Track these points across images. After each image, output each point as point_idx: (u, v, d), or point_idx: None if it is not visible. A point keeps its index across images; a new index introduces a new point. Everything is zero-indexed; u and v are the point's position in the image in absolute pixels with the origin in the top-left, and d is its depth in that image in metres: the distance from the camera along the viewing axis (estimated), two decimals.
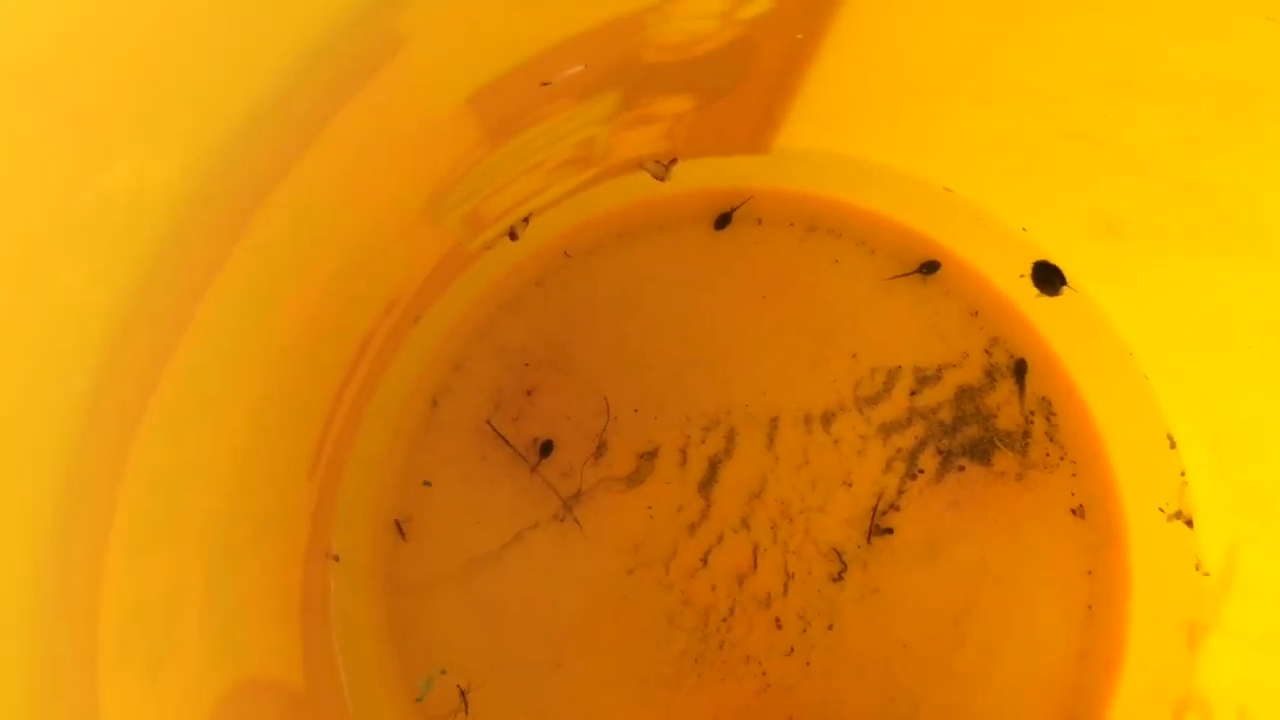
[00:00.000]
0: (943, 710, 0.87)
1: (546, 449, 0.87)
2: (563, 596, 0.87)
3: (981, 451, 0.89)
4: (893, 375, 0.89)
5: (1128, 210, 0.71)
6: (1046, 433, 0.89)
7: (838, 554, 0.88)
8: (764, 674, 0.87)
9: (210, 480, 0.56)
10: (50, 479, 0.39)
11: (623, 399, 0.89)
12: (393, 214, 0.61)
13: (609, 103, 0.67)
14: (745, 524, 0.88)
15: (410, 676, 0.85)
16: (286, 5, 0.38)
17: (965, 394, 0.89)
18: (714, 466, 0.89)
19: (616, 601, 0.87)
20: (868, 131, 0.79)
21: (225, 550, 0.60)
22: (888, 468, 0.89)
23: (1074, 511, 0.88)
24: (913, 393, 0.89)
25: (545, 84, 0.59)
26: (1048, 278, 0.85)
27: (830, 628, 0.88)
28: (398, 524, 0.86)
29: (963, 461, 0.89)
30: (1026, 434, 0.89)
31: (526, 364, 0.89)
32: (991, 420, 0.89)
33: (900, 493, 0.89)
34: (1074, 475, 0.88)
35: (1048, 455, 0.89)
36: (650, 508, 0.88)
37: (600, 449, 0.88)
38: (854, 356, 0.89)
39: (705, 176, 0.87)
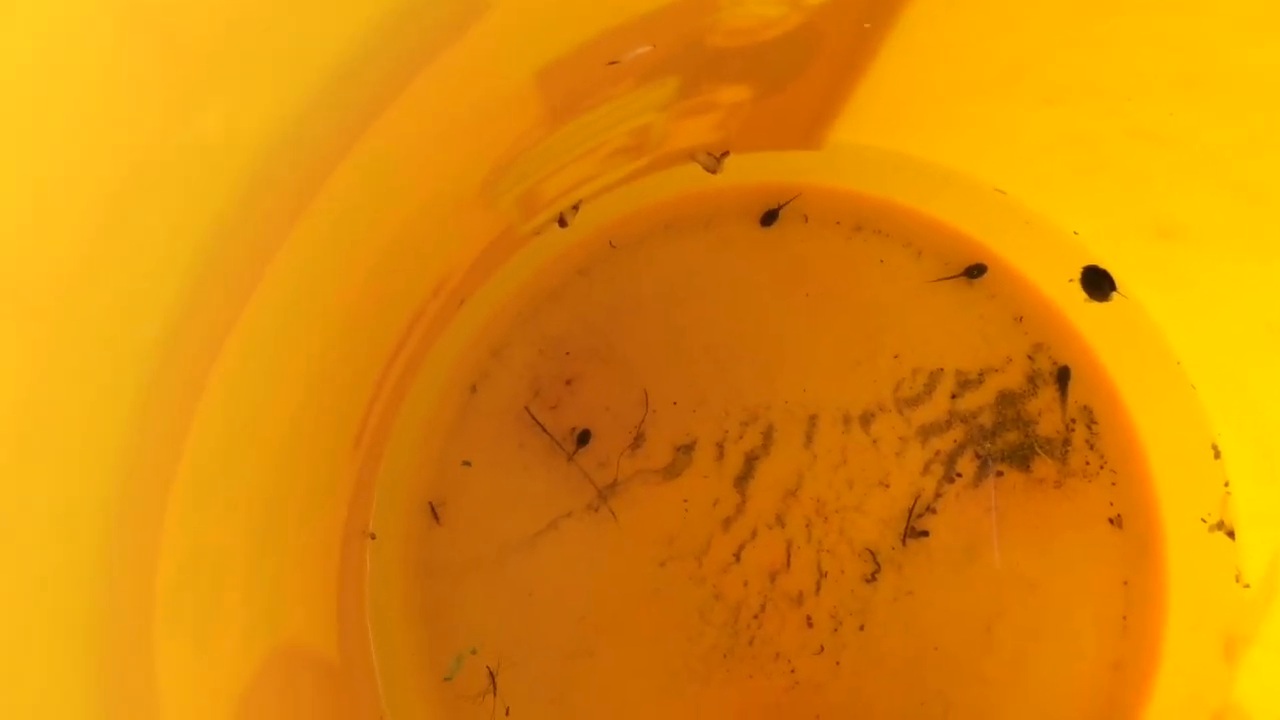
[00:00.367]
0: (973, 715, 0.87)
1: (584, 438, 0.87)
2: (595, 586, 0.87)
3: (1021, 457, 0.88)
4: (934, 377, 0.89)
5: (1186, 214, 0.71)
6: (1087, 441, 0.88)
7: (872, 554, 0.87)
8: (793, 671, 0.87)
9: (263, 450, 0.56)
10: (120, 431, 0.39)
11: (662, 391, 0.89)
12: (452, 188, 0.61)
13: (669, 88, 0.67)
14: (780, 521, 0.88)
15: (440, 656, 0.85)
16: None
17: (1006, 399, 0.89)
18: (751, 462, 0.88)
19: (648, 593, 0.87)
20: (924, 129, 0.79)
21: (271, 521, 0.60)
22: (926, 470, 0.88)
23: (1112, 521, 0.88)
24: (954, 396, 0.89)
25: (612, 63, 0.59)
26: (1097, 283, 0.84)
27: (862, 628, 0.87)
28: (432, 507, 0.86)
29: (1001, 467, 0.88)
30: (1067, 441, 0.88)
31: (567, 353, 0.89)
32: (1032, 426, 0.88)
33: (937, 495, 0.88)
34: (1113, 484, 0.88)
35: (1087, 464, 0.88)
36: (685, 501, 0.88)
37: (638, 440, 0.88)
38: (896, 357, 0.89)
39: (754, 171, 0.87)
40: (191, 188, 0.37)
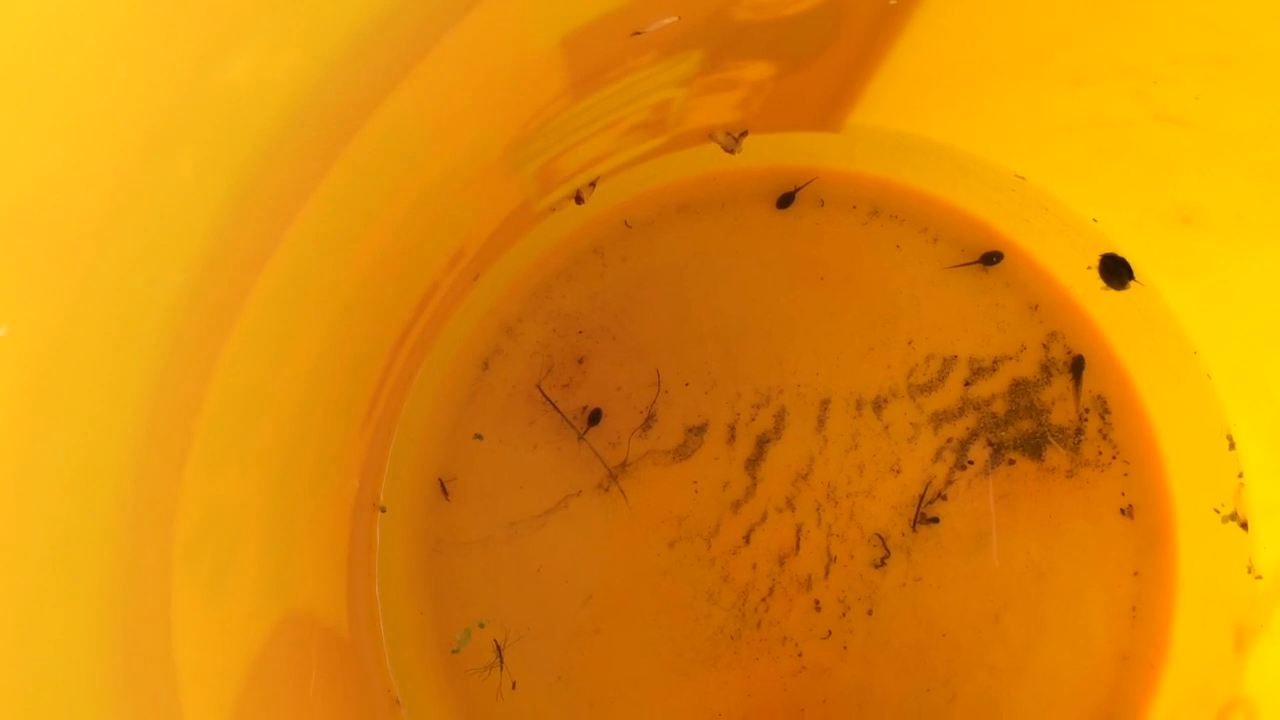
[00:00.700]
0: (979, 702, 0.87)
1: (595, 417, 0.87)
2: (603, 565, 0.87)
3: (1033, 446, 0.88)
4: (948, 364, 0.89)
5: (1209, 200, 0.70)
6: (1100, 430, 0.88)
7: (882, 540, 0.87)
8: (800, 655, 0.87)
9: (277, 415, 0.56)
10: (143, 383, 0.39)
11: (674, 372, 0.88)
12: (473, 156, 0.61)
13: (691, 62, 0.67)
14: (790, 504, 0.88)
15: (447, 630, 0.85)
16: None
17: (1020, 387, 0.88)
18: (762, 445, 0.88)
19: (657, 574, 0.87)
20: (945, 112, 0.79)
21: (284, 487, 0.60)
22: (937, 457, 0.88)
23: (1123, 511, 0.87)
24: (967, 383, 0.88)
25: (637, 33, 0.59)
26: (1115, 270, 0.84)
27: (870, 613, 0.87)
28: (441, 483, 0.86)
29: (1013, 455, 0.88)
30: (1080, 431, 0.88)
31: (580, 331, 0.88)
32: (1045, 415, 0.88)
33: (949, 482, 0.88)
34: (1125, 475, 0.88)
35: (1100, 453, 0.88)
36: (696, 482, 0.87)
37: (649, 421, 0.88)
38: (910, 343, 0.89)
39: (772, 153, 0.87)
40: (219, 137, 0.37)
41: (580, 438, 0.87)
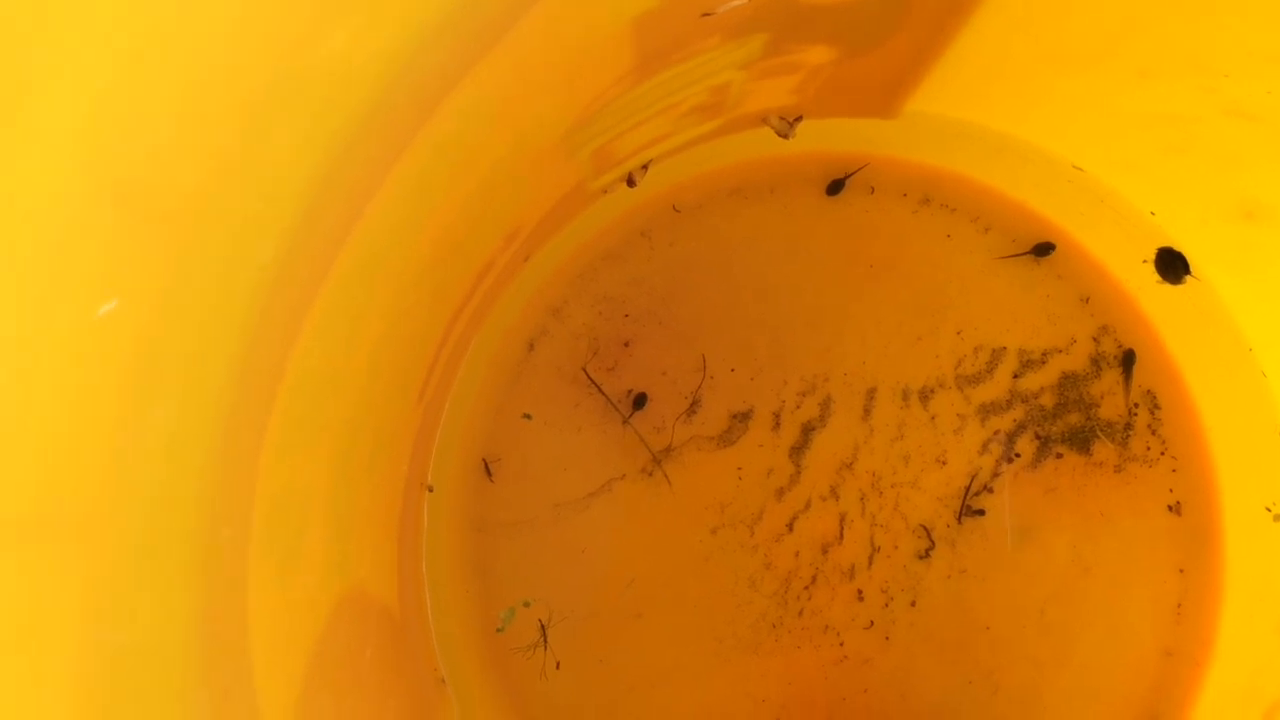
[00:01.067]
0: (1021, 696, 0.86)
1: (640, 401, 0.87)
2: (646, 549, 0.86)
3: (1081, 440, 0.87)
4: (996, 356, 0.88)
5: (1275, 195, 0.69)
6: (1149, 426, 0.87)
7: (926, 531, 0.87)
8: (842, 645, 0.86)
9: (342, 396, 0.56)
10: (231, 356, 0.39)
11: (720, 358, 0.88)
12: (537, 135, 0.61)
13: (755, 45, 0.66)
14: (834, 493, 0.87)
15: (492, 609, 0.85)
16: None
17: (1069, 380, 0.88)
18: (807, 433, 0.88)
19: (699, 559, 0.87)
20: (1007, 101, 0.78)
21: (346, 468, 0.60)
22: (984, 449, 0.87)
23: (1171, 508, 0.87)
24: (1015, 375, 0.88)
25: (706, 15, 0.58)
26: (1172, 265, 0.83)
27: (913, 604, 0.87)
28: (485, 464, 0.86)
29: (1061, 449, 0.87)
30: (1129, 426, 0.87)
31: (626, 315, 0.88)
32: (1094, 409, 0.87)
33: (995, 475, 0.87)
34: (1174, 471, 0.87)
35: (1149, 449, 0.87)
36: (740, 469, 0.87)
37: (694, 406, 0.87)
38: (959, 334, 0.88)
39: (824, 138, 0.86)
40: (314, 113, 0.37)
41: (625, 421, 0.87)
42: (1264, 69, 0.60)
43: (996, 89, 0.76)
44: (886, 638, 0.86)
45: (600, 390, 0.87)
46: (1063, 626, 0.87)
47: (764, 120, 0.82)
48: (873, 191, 0.89)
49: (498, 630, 0.84)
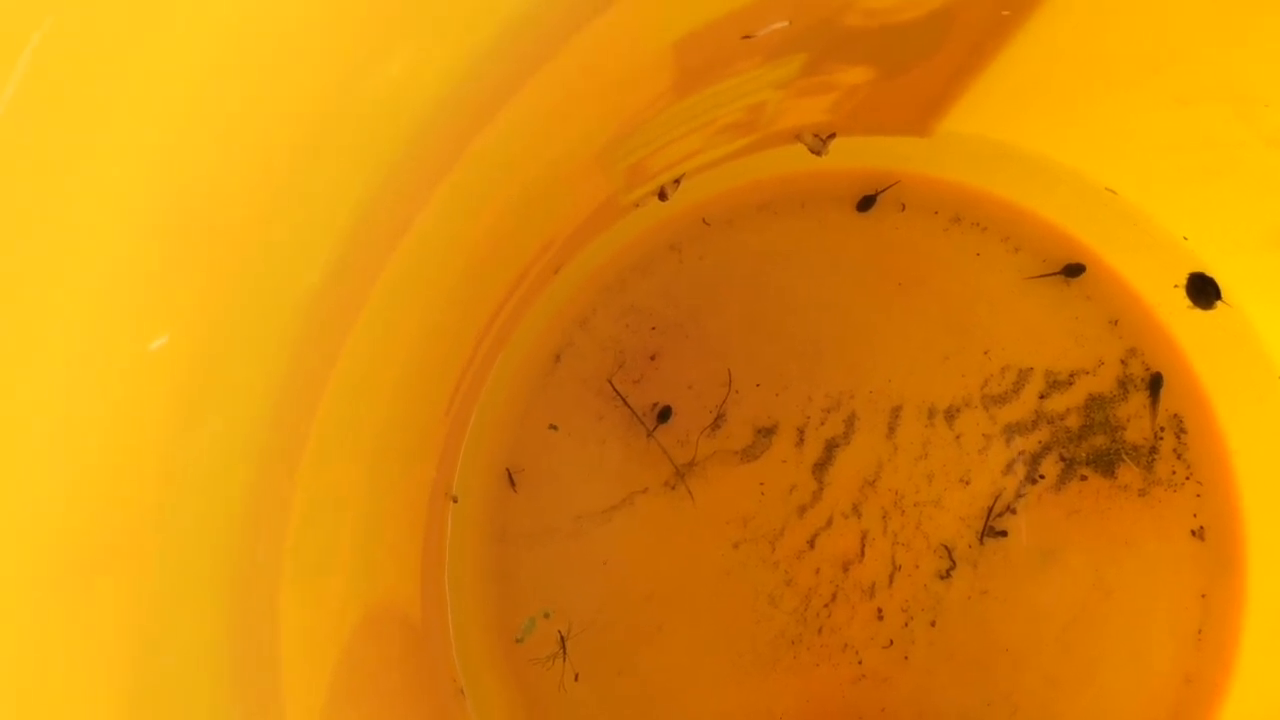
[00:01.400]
0: (1040, 718, 0.86)
1: (665, 415, 0.87)
2: (667, 562, 0.86)
3: (1106, 463, 0.87)
4: (1023, 376, 0.88)
5: None
6: (1175, 450, 0.87)
7: (948, 551, 0.87)
8: (860, 663, 0.86)
9: (378, 406, 0.56)
10: (274, 377, 0.39)
11: (746, 372, 0.88)
12: (576, 152, 0.61)
13: (793, 65, 0.66)
14: (856, 511, 0.87)
15: (512, 619, 0.85)
16: None
17: (1095, 403, 0.87)
18: (831, 449, 0.87)
19: (720, 574, 0.87)
20: (1043, 122, 0.78)
21: (377, 477, 0.60)
22: (1008, 469, 0.87)
23: (1194, 533, 0.86)
24: (1042, 396, 0.87)
25: (747, 37, 0.58)
26: (1203, 290, 0.83)
27: (933, 624, 0.86)
28: (509, 474, 0.86)
29: (1085, 471, 0.87)
30: (1154, 449, 0.87)
31: (653, 328, 0.88)
32: (1120, 432, 0.87)
33: (1018, 496, 0.87)
34: (1198, 496, 0.86)
35: (1174, 473, 0.87)
36: (763, 484, 0.87)
37: (718, 420, 0.87)
38: (986, 353, 0.88)
39: (856, 155, 0.86)
40: (364, 139, 0.37)
41: (649, 434, 0.87)
42: None
43: (1031, 111, 0.76)
44: (906, 657, 0.86)
45: (625, 402, 0.87)
46: (1083, 649, 0.86)
47: (797, 137, 0.82)
48: (904, 209, 0.88)
49: (517, 641, 0.84)
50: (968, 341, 0.88)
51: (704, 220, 0.88)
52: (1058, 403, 0.87)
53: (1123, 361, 0.87)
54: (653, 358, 0.88)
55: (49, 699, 0.32)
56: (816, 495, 0.87)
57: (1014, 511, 0.87)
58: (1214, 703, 0.85)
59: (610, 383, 0.87)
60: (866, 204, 0.88)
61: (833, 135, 0.82)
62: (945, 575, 0.87)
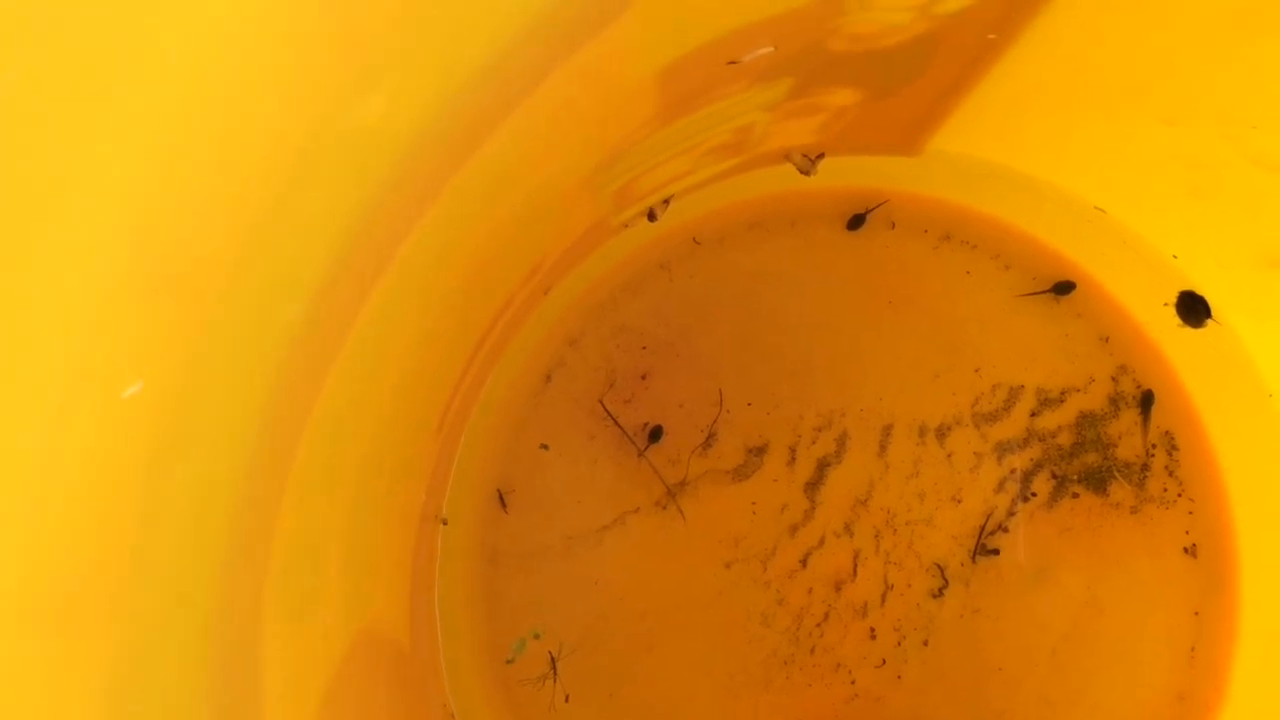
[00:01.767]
0: None
1: (655, 434, 0.87)
2: (659, 583, 0.86)
3: (1098, 480, 0.87)
4: (1014, 394, 0.88)
5: None
6: (1167, 467, 0.86)
7: (940, 570, 0.86)
8: (853, 683, 0.86)
9: (364, 432, 0.56)
10: (254, 416, 0.39)
11: (737, 391, 0.88)
12: (562, 177, 0.61)
13: (780, 89, 0.66)
14: (848, 530, 0.87)
15: (502, 641, 0.84)
16: None
17: (1087, 420, 0.87)
18: (822, 468, 0.87)
19: (712, 594, 0.86)
20: (1032, 142, 0.78)
21: (363, 506, 0.60)
22: (1000, 487, 0.87)
23: (1187, 550, 0.86)
24: (1033, 414, 0.87)
25: (732, 63, 0.58)
26: (1193, 308, 0.83)
27: (925, 643, 0.86)
28: (500, 495, 0.85)
29: (1077, 489, 0.87)
30: (1146, 467, 0.87)
31: (644, 347, 0.88)
32: (1111, 449, 0.87)
33: (1010, 514, 0.87)
34: (1191, 513, 0.86)
35: (1165, 490, 0.86)
36: (754, 504, 0.87)
37: (709, 440, 0.87)
38: (976, 371, 0.88)
39: (846, 174, 0.86)
40: (344, 176, 0.37)
41: (640, 454, 0.86)
42: None
43: (1020, 130, 0.76)
44: (898, 677, 0.86)
45: (616, 422, 0.87)
46: (1076, 667, 0.86)
47: (786, 157, 0.82)
48: (893, 227, 0.88)
49: (507, 662, 0.84)
50: (958, 359, 0.88)
51: (694, 240, 0.88)
52: (1049, 420, 0.87)
53: (1113, 379, 0.87)
54: (644, 377, 0.87)
55: None
56: (808, 514, 0.87)
57: (1006, 530, 0.86)
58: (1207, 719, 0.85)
59: (601, 402, 0.87)
60: (856, 223, 0.88)
61: (821, 155, 0.82)
62: (938, 594, 0.86)
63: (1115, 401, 0.87)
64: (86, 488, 0.31)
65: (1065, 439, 0.87)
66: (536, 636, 0.84)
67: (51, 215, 0.27)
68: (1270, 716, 0.82)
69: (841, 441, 0.87)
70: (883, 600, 0.86)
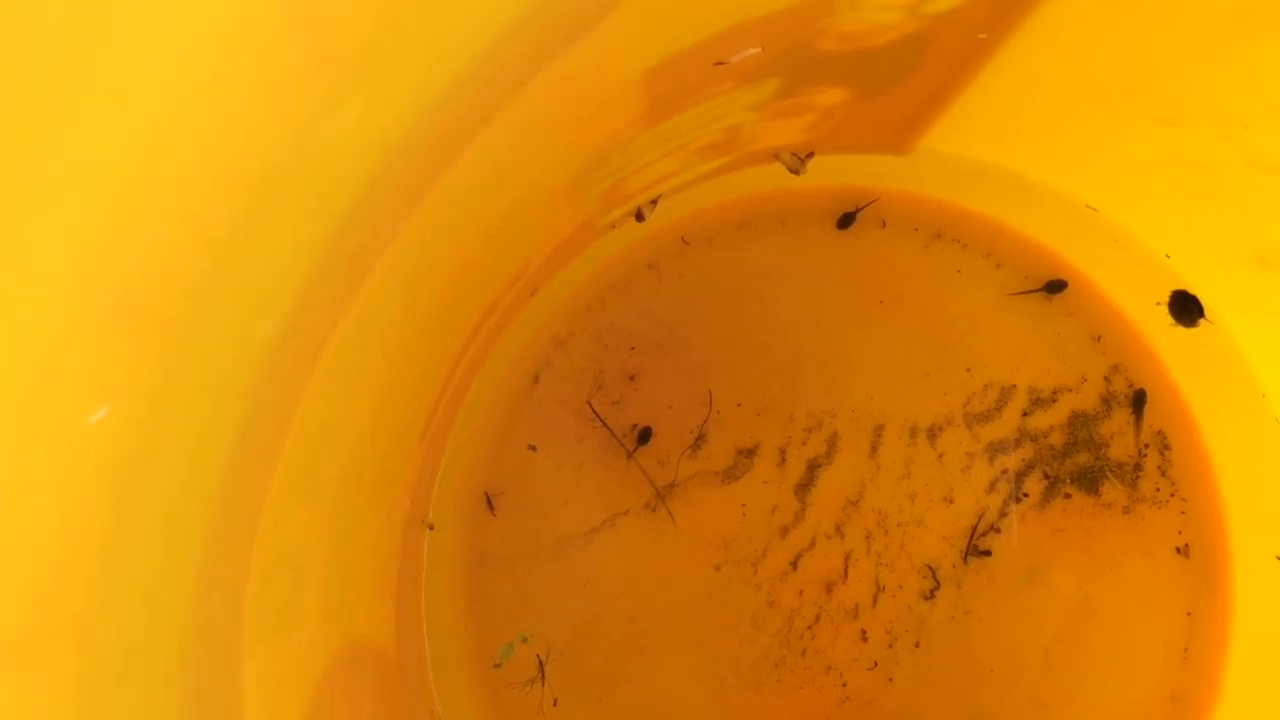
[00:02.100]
0: None
1: (645, 436, 0.86)
2: (649, 585, 0.85)
3: (1090, 480, 0.86)
4: (1006, 394, 0.87)
5: None
6: (1159, 467, 0.86)
7: (932, 571, 0.86)
8: (844, 685, 0.85)
9: (345, 447, 0.55)
10: (229, 433, 0.38)
11: (727, 392, 0.87)
12: (546, 181, 0.60)
13: (768, 89, 0.65)
14: (839, 531, 0.86)
15: (490, 645, 0.84)
16: None
17: (1079, 420, 0.86)
18: (813, 470, 0.86)
19: (703, 596, 0.85)
20: (1023, 141, 0.77)
21: (345, 516, 0.59)
22: (991, 488, 0.86)
23: (1179, 550, 0.86)
24: (1025, 413, 0.87)
25: (719, 64, 0.57)
26: (1186, 308, 0.82)
27: (917, 645, 0.85)
28: (488, 498, 0.85)
29: (1069, 489, 0.86)
30: (1138, 467, 0.86)
31: (632, 348, 0.87)
32: (1103, 449, 0.86)
33: (1002, 514, 0.86)
34: (1183, 513, 0.86)
35: (1158, 490, 0.86)
36: (744, 505, 0.86)
37: (699, 441, 0.86)
38: (968, 371, 0.87)
39: (835, 173, 0.85)
40: (318, 190, 0.36)
41: (629, 456, 0.86)
42: None
43: (1011, 129, 0.75)
44: (890, 679, 0.85)
45: (605, 424, 0.86)
46: (1068, 669, 0.86)
47: (775, 156, 0.81)
48: (884, 226, 0.87)
49: (495, 665, 0.83)
50: (949, 359, 0.87)
51: (683, 239, 0.87)
52: (1041, 420, 0.87)
53: (1106, 378, 0.87)
54: (632, 378, 0.87)
55: None
56: (799, 516, 0.86)
57: (998, 530, 0.86)
58: None
59: (589, 404, 0.86)
60: (846, 221, 0.87)
61: (811, 154, 0.81)
62: (929, 595, 0.86)
63: (1107, 401, 0.87)
64: (53, 507, 0.30)
65: (1057, 439, 0.86)
66: (525, 640, 0.83)
67: (10, 230, 0.26)
68: (1263, 717, 0.82)
69: (832, 442, 0.87)
70: (874, 602, 0.86)
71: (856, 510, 0.86)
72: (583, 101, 0.52)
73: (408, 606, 0.78)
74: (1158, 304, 0.84)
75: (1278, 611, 0.83)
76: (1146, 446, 0.86)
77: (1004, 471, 0.86)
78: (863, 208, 0.86)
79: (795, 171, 0.81)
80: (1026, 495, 0.86)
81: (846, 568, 0.86)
